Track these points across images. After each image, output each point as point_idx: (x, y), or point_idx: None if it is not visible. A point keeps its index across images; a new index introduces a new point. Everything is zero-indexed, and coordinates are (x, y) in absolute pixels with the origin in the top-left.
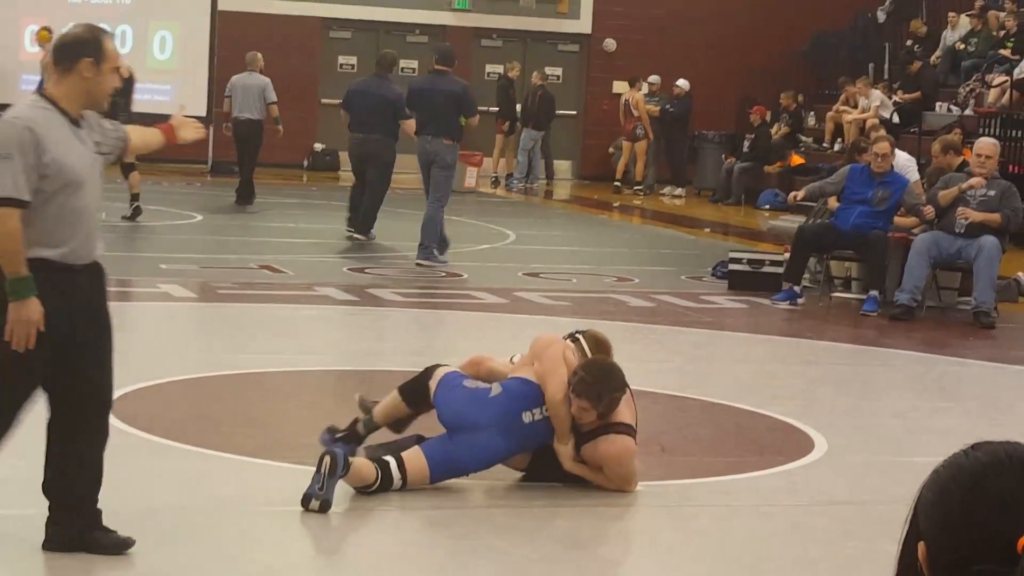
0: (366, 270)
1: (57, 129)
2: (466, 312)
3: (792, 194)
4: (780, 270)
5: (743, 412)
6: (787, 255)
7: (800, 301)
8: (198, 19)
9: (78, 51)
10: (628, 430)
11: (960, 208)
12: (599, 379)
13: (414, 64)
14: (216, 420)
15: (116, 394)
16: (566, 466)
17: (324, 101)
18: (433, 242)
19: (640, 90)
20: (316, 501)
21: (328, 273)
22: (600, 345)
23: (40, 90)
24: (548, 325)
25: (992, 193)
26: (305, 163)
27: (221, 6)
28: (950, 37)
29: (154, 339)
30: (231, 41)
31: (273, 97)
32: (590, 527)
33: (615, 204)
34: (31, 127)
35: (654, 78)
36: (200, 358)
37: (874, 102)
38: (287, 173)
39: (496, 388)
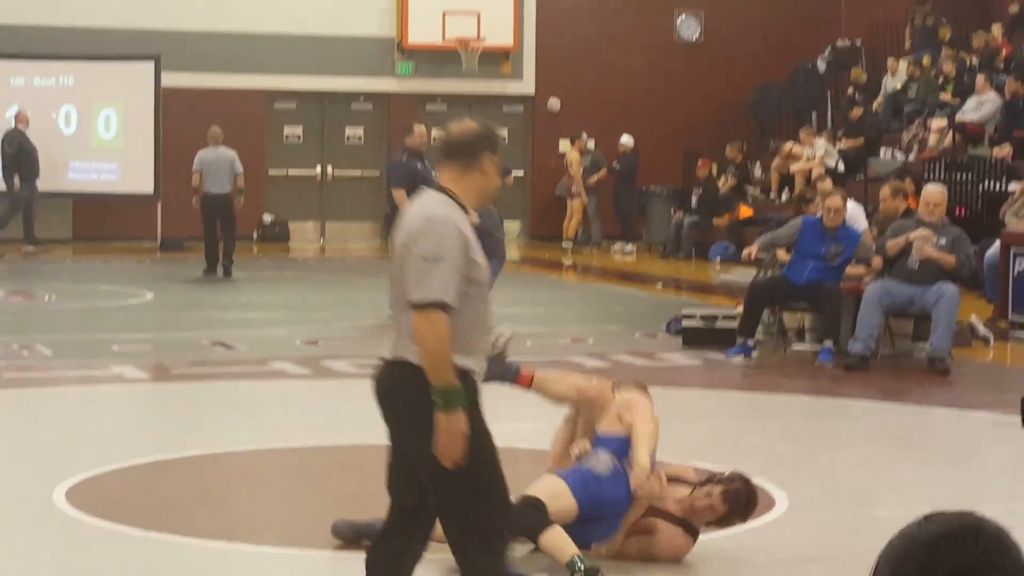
0: (319, 342)
1: (469, 229)
2: None
3: (747, 251)
4: (734, 325)
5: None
6: (740, 309)
7: (754, 355)
8: (142, 97)
9: (480, 146)
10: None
11: (916, 243)
12: (750, 499)
13: (359, 132)
14: (177, 504)
15: (74, 480)
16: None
17: (271, 172)
18: None
19: (579, 149)
20: None
21: (281, 347)
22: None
23: (432, 185)
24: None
25: (943, 241)
26: (255, 235)
27: (164, 83)
28: (890, 83)
29: (109, 423)
30: (176, 117)
31: (240, 168)
32: None
33: (567, 263)
34: (461, 228)
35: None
36: (157, 441)
37: (819, 151)
38: (237, 245)
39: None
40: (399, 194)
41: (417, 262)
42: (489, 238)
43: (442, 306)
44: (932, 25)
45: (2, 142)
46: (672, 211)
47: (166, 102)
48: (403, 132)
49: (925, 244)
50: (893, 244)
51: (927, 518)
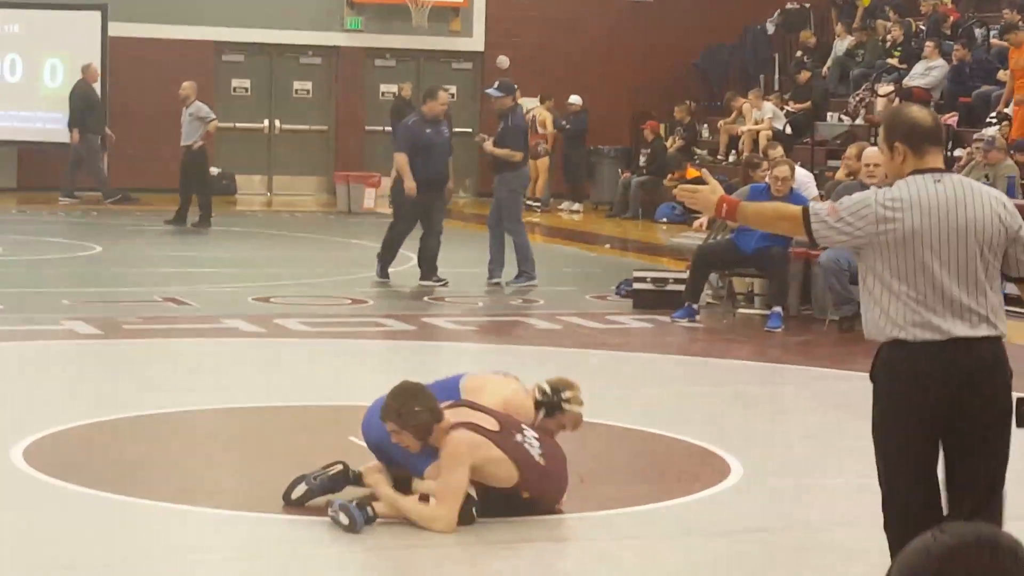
0: (271, 299)
1: None
2: (374, 340)
3: (697, 222)
4: (683, 288)
5: (658, 437)
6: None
7: (698, 318)
8: (88, 45)
9: None
10: (459, 426)
11: None
12: (396, 399)
13: (308, 85)
14: (133, 464)
15: (31, 439)
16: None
17: (220, 125)
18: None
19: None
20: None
21: (233, 304)
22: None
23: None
24: (458, 352)
25: None
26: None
27: (111, 32)
28: (839, 47)
29: (64, 380)
30: (123, 67)
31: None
32: (512, 563)
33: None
34: None
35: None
36: (112, 399)
37: (766, 114)
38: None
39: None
40: (400, 159)
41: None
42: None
43: None
44: None
45: None
46: (620, 171)
47: (113, 52)
48: (424, 95)
49: None
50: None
51: (941, 529)
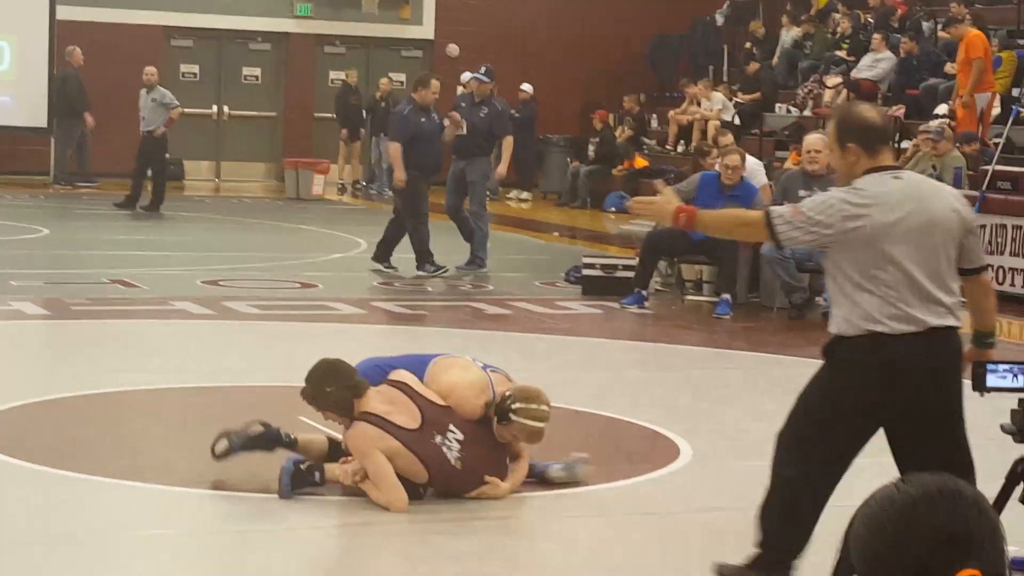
0: (220, 282)
1: None
2: (324, 323)
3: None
4: (633, 275)
5: (607, 420)
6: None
7: (647, 304)
8: (36, 29)
9: None
10: (363, 417)
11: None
12: (309, 382)
13: (257, 72)
14: (82, 443)
15: None
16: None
17: None
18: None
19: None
20: None
21: (182, 286)
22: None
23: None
24: (408, 335)
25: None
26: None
27: (59, 15)
28: (786, 39)
29: (11, 359)
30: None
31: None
32: (465, 540)
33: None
34: None
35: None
36: (59, 378)
37: (716, 105)
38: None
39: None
40: (394, 148)
41: (976, 233)
42: None
43: None
44: None
45: None
46: (569, 160)
47: (61, 35)
48: (416, 83)
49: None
50: None
51: (904, 480)
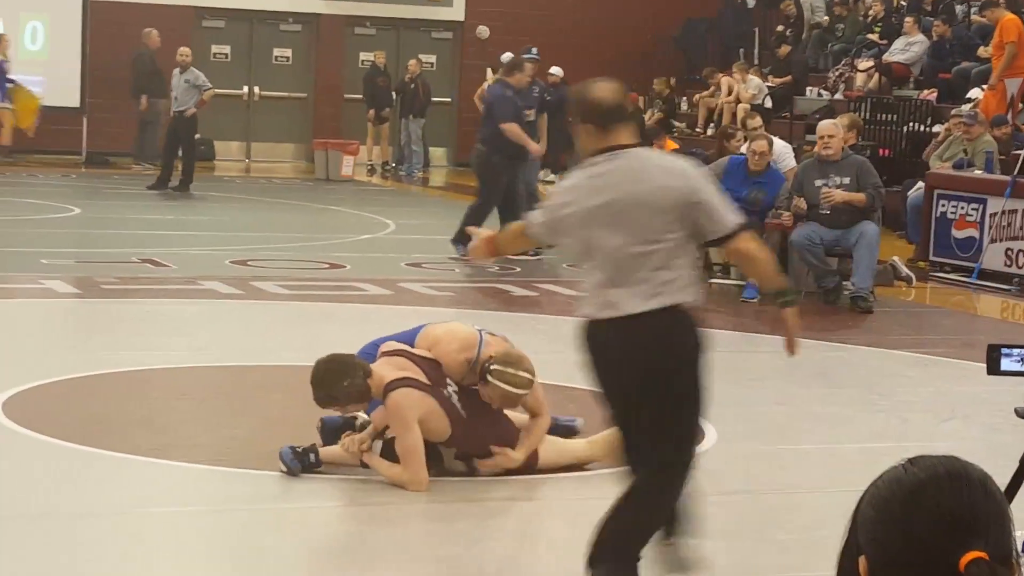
0: (249, 262)
1: None
2: (350, 304)
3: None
4: None
5: None
6: None
7: None
8: (69, 9)
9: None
10: (395, 385)
11: (823, 190)
12: (321, 386)
13: (287, 53)
14: (110, 420)
15: (6, 395)
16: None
17: None
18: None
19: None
20: None
21: (211, 266)
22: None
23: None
24: (435, 317)
25: (847, 180)
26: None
27: None
28: (811, 17)
29: (40, 337)
30: (103, 30)
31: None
32: (486, 521)
33: None
34: None
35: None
36: (88, 356)
37: (752, 88)
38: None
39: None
40: (513, 128)
41: (716, 197)
42: None
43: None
44: None
45: None
46: None
47: (93, 15)
48: (511, 67)
49: (832, 195)
50: (797, 206)
51: (912, 461)
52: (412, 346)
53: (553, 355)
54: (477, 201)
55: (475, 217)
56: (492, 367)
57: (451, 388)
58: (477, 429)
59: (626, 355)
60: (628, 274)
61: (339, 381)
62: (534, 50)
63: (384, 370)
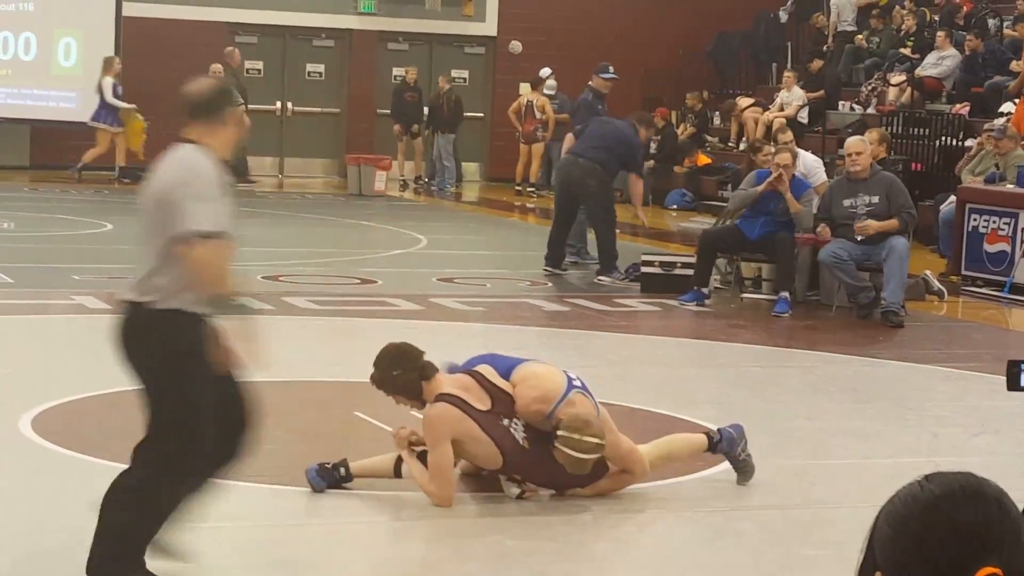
0: (280, 278)
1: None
2: (382, 320)
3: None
4: (691, 272)
5: (662, 417)
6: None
7: (708, 302)
8: (102, 25)
9: (224, 102)
10: (441, 398)
11: (857, 225)
12: (377, 367)
13: (320, 68)
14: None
15: (36, 410)
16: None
17: None
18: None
19: (543, 92)
20: None
21: (243, 282)
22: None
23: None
24: (467, 332)
25: (876, 199)
26: None
27: (125, 12)
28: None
29: (71, 352)
30: (136, 47)
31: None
32: (518, 537)
33: (529, 205)
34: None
35: (545, 72)
36: (119, 372)
37: (795, 99)
38: None
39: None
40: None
41: (170, 203)
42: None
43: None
44: None
45: None
46: None
47: (126, 31)
48: (647, 123)
49: (866, 228)
50: (820, 233)
51: (928, 478)
52: (507, 376)
53: (584, 370)
54: (602, 229)
55: (611, 243)
56: (560, 433)
57: (519, 423)
58: (544, 463)
59: (117, 342)
60: (140, 263)
61: (392, 368)
62: (611, 68)
63: (445, 382)
